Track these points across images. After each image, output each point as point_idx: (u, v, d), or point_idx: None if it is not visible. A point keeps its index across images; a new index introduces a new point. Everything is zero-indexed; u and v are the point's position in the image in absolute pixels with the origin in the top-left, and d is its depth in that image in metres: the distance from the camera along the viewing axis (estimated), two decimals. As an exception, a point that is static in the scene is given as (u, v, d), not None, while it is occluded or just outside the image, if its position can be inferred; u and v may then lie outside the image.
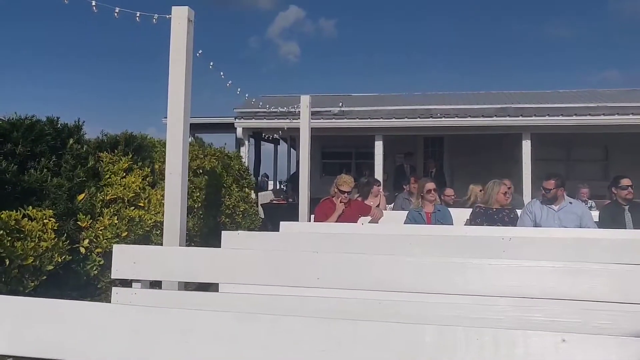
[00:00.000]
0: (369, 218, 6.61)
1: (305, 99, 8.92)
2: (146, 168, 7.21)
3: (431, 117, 13.15)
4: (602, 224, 6.23)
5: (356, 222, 6.20)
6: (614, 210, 6.29)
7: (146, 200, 6.62)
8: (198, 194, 7.34)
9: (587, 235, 4.77)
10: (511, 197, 8.58)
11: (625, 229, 6.05)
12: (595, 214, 6.58)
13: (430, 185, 6.53)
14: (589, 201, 10.30)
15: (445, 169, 15.16)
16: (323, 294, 2.57)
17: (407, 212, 6.72)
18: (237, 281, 2.92)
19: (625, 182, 6.31)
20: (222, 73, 6.85)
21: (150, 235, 6.54)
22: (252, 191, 9.19)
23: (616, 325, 2.32)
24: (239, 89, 7.45)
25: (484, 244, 3.53)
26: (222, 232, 3.98)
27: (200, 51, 5.41)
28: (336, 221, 6.20)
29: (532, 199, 6.70)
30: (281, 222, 5.17)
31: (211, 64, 6.30)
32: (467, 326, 1.59)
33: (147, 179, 7.13)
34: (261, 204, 12.76)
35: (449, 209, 6.68)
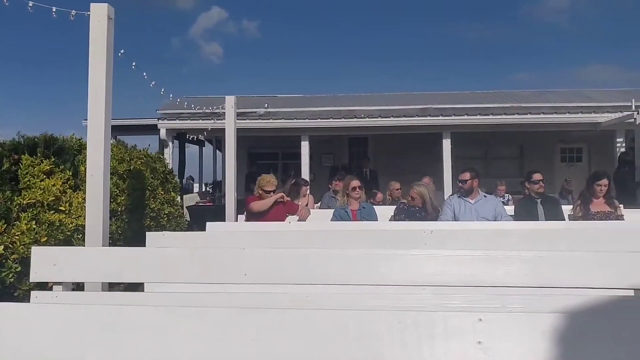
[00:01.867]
0: (296, 217, 6.64)
1: (230, 100, 8.86)
2: (67, 171, 6.95)
3: (355, 117, 13.37)
4: (517, 217, 6.53)
5: (284, 221, 6.23)
6: (528, 204, 6.62)
7: (67, 204, 6.38)
8: (122, 197, 7.14)
9: (503, 227, 5.00)
10: (433, 193, 8.95)
11: (539, 220, 6.39)
12: (512, 209, 6.90)
13: (355, 182, 6.63)
14: (506, 196, 10.79)
15: (371, 168, 15.51)
16: (251, 290, 2.58)
17: (333, 210, 6.80)
18: (162, 280, 2.88)
19: (537, 176, 6.66)
20: (145, 74, 6.70)
21: (72, 239, 6.30)
22: (178, 194, 9.01)
23: (529, 306, 2.46)
24: (162, 89, 7.29)
25: (406, 237, 3.65)
26: (147, 233, 3.90)
27: (122, 51, 5.27)
28: (264, 220, 6.20)
29: (453, 193, 6.94)
30: (208, 223, 5.13)
31: (133, 64, 6.15)
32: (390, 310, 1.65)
33: (69, 182, 6.87)
34: (187, 207, 12.55)
35: (383, 206, 6.84)
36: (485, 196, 6.28)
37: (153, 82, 6.98)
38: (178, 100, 10.33)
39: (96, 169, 4.71)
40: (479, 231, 3.96)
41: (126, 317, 1.71)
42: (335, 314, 1.64)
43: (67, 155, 6.41)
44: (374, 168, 14.47)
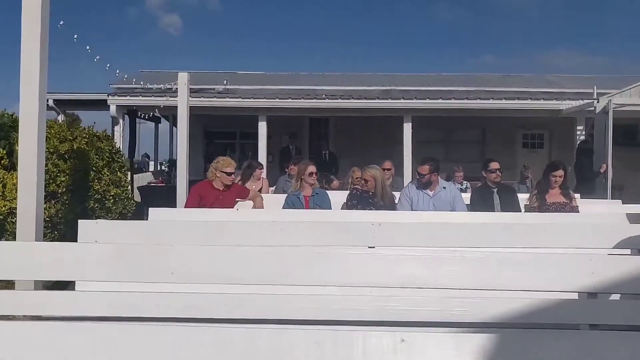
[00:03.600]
0: (246, 202, 6.54)
1: (183, 77, 8.63)
2: (1, 149, 6.67)
3: (315, 98, 13.25)
4: (473, 206, 6.55)
5: (233, 207, 6.12)
6: (484, 193, 6.64)
7: (1, 185, 6.13)
8: (63, 178, 6.90)
9: (455, 219, 4.98)
10: (392, 179, 8.93)
11: (494, 210, 6.42)
12: (468, 196, 6.91)
13: (311, 168, 6.55)
14: (464, 182, 10.87)
15: (331, 150, 15.45)
16: (180, 290, 2.47)
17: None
18: (88, 278, 2.74)
19: (494, 165, 6.67)
20: (88, 47, 6.42)
21: (5, 223, 6.07)
22: (126, 174, 8.78)
23: (470, 311, 2.42)
24: (108, 65, 7.03)
25: (353, 230, 3.57)
26: (79, 221, 3.73)
27: (61, 22, 5.02)
28: (212, 206, 6.08)
29: (411, 182, 6.91)
30: (150, 209, 4.97)
31: (75, 36, 5.89)
32: (308, 327, 1.56)
33: (3, 162, 6.60)
34: (138, 187, 12.28)
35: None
36: (444, 188, 6.26)
37: (98, 57, 6.72)
38: (126, 76, 10.02)
39: (29, 149, 4.49)
40: (429, 225, 3.91)
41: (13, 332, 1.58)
42: (247, 332, 1.54)
43: (1, 132, 6.15)
44: (334, 150, 14.42)
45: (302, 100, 13.28)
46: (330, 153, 13.80)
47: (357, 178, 8.43)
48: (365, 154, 13.15)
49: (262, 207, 6.54)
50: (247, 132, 16.48)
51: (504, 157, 13.64)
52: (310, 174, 6.49)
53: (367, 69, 34.06)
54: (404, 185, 7.48)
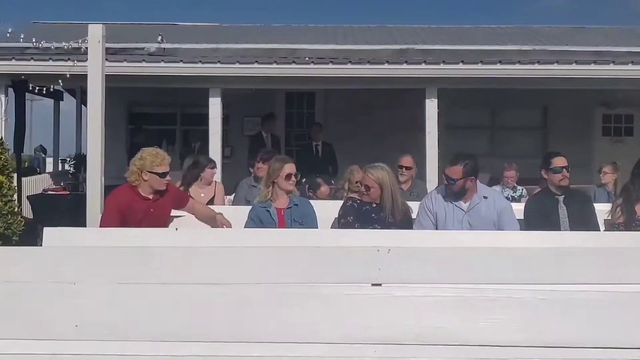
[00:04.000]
0: (186, 215, 6.62)
1: (96, 30, 8.51)
2: None
3: (295, 62, 13.23)
4: (529, 221, 6.55)
5: (167, 223, 6.19)
6: (545, 202, 6.65)
7: None
8: None
9: (501, 242, 5.00)
10: (410, 182, 8.97)
11: (559, 228, 6.43)
12: (522, 208, 6.93)
13: (289, 167, 6.52)
14: (519, 188, 10.91)
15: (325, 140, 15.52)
16: (87, 350, 2.46)
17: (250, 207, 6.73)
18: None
19: (559, 161, 6.67)
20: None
21: None
22: (10, 177, 8.75)
23: (523, 380, 2.42)
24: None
25: (350, 259, 3.57)
26: None
27: None
28: (140, 224, 6.07)
29: (435, 189, 6.93)
30: (45, 229, 4.96)
31: None
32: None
33: None
34: (28, 197, 12.24)
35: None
36: (485, 197, 6.25)
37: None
38: (10, 30, 9.95)
39: None
40: (461, 252, 3.92)
41: None
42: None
43: None
44: (330, 141, 14.47)
45: (275, 65, 13.26)
46: (325, 145, 13.85)
47: (356, 183, 8.48)
48: (368, 146, 13.09)
49: (229, 225, 6.59)
50: (192, 114, 16.45)
51: (575, 149, 13.72)
52: (288, 176, 6.46)
53: (372, 20, 34.14)
54: (427, 194, 7.52)
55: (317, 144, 13.74)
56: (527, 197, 9.05)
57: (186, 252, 3.79)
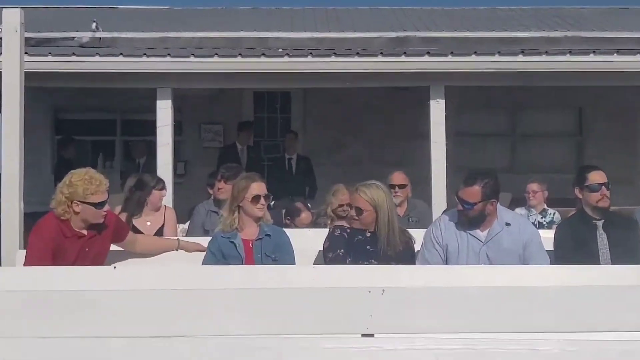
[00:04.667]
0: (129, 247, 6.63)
1: (12, 16, 8.57)
2: None
3: (265, 55, 13.24)
4: (559, 252, 6.54)
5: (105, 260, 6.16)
6: (579, 228, 6.64)
7: None
8: None
9: (524, 278, 5.01)
10: (406, 204, 8.97)
11: (599, 261, 6.43)
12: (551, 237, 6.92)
13: (257, 187, 6.56)
14: (549, 212, 10.93)
15: (301, 153, 15.49)
16: None
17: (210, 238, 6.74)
18: None
19: (596, 177, 6.66)
20: None
21: None
22: None
23: None
24: None
25: (334, 303, 3.58)
26: None
27: None
28: (75, 262, 6.03)
29: (444, 214, 6.91)
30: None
31: None
32: None
33: None
34: None
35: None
36: (507, 225, 6.27)
37: None
38: None
39: None
40: (477, 292, 3.94)
41: None
42: None
43: None
44: (308, 154, 14.49)
45: (239, 59, 13.26)
46: (302, 158, 13.88)
47: (340, 206, 8.50)
48: (357, 161, 13.16)
49: (203, 248, 6.63)
50: (135, 121, 16.44)
51: (618, 162, 13.81)
52: (255, 198, 6.49)
53: (362, 0, 34.22)
54: (432, 219, 7.49)
55: (291, 157, 13.81)
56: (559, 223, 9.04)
57: (129, 296, 3.78)
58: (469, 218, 6.22)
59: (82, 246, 6.14)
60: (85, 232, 6.19)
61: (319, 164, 14.03)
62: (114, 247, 6.59)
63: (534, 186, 10.95)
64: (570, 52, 13.33)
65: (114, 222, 6.61)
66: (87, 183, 6.10)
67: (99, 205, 6.12)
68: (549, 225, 9.92)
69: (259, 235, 6.51)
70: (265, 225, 6.63)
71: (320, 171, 13.65)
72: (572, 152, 16.68)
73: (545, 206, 10.89)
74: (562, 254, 6.51)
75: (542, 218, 10.54)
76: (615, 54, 13.30)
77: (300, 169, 13.66)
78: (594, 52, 13.32)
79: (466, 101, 14.14)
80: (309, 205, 10.20)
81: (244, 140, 14.23)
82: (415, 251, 6.49)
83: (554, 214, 10.72)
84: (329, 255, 6.36)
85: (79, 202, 6.06)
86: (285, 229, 7.18)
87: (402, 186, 8.74)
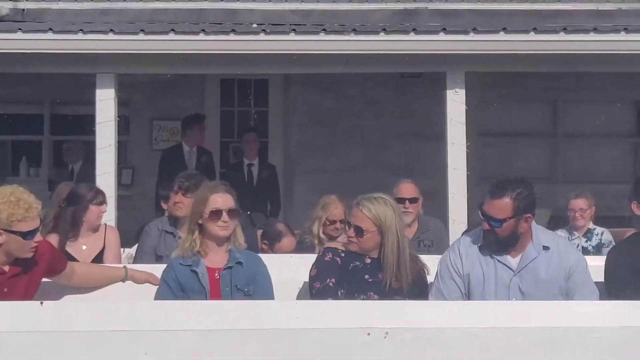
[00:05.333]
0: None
1: None
2: None
3: (235, 32, 13.24)
4: (612, 284, 6.53)
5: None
6: (637, 253, 6.62)
7: None
8: None
9: (568, 316, 5.01)
10: (416, 223, 8.93)
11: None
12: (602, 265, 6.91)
13: (221, 199, 6.51)
14: (596, 232, 10.91)
15: (277, 158, 15.46)
16: None
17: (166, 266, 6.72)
18: None
19: (661, 188, 6.69)
20: None
21: None
22: None
23: None
24: None
25: (324, 348, 3.58)
26: None
27: None
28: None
29: (465, 234, 6.88)
30: None
31: None
32: None
33: None
34: None
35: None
36: (545, 249, 6.24)
37: None
38: None
39: None
40: (502, 333, 3.94)
41: None
42: None
43: None
44: (289, 157, 14.49)
45: (201, 37, 13.27)
46: (265, 166, 13.90)
47: (332, 223, 8.51)
48: (354, 167, 13.20)
49: (156, 280, 6.59)
50: (68, 116, 16.41)
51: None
52: (215, 213, 6.44)
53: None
54: (450, 242, 7.47)
55: (251, 163, 13.77)
56: (612, 246, 8.98)
57: (57, 340, 3.77)
58: (496, 239, 6.17)
59: (1, 283, 5.91)
60: (6, 267, 5.95)
61: (304, 171, 14.05)
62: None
63: (580, 202, 10.81)
64: (625, 29, 13.36)
65: (47, 255, 6.32)
66: (13, 207, 5.80)
67: (29, 235, 5.86)
68: (596, 250, 9.91)
69: (228, 263, 6.44)
70: (237, 250, 6.57)
71: (305, 180, 13.69)
72: (629, 156, 16.75)
73: (591, 224, 10.83)
74: (616, 286, 6.44)
75: (586, 241, 10.49)
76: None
77: (262, 178, 13.71)
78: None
79: (493, 92, 14.17)
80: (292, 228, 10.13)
81: (192, 140, 14.10)
82: (429, 283, 6.45)
83: (602, 233, 10.67)
84: (316, 286, 6.30)
85: (2, 231, 5.79)
86: (261, 255, 7.18)
87: (412, 200, 8.67)
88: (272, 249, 8.77)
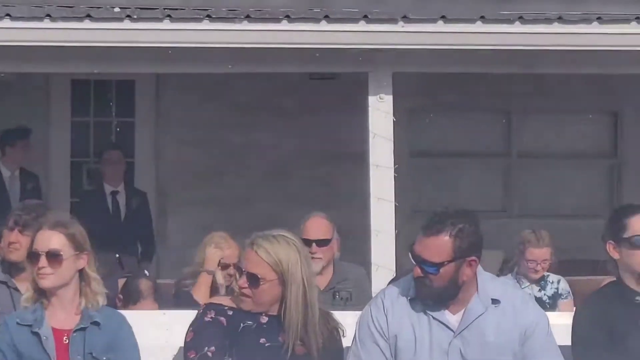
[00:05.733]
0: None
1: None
2: None
3: (90, 17, 13.23)
4: (581, 347, 6.61)
5: None
6: (614, 309, 6.71)
7: None
8: None
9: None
10: (332, 272, 8.97)
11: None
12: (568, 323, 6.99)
13: (45, 238, 6.49)
14: (549, 278, 11.04)
15: (145, 183, 15.47)
16: None
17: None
18: None
19: (638, 223, 6.74)
20: None
21: None
22: None
23: None
24: None
25: None
26: None
27: None
28: None
29: (392, 284, 6.89)
30: None
31: None
32: None
33: None
34: None
35: None
36: (495, 302, 6.26)
37: None
38: None
39: None
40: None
41: None
42: None
43: None
44: (158, 185, 14.51)
45: (47, 23, 13.26)
46: (134, 193, 13.87)
47: (225, 268, 8.55)
48: (244, 197, 13.32)
49: None
50: None
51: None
52: (33, 256, 6.41)
53: None
54: (372, 294, 7.53)
55: (116, 190, 13.73)
56: (573, 299, 9.10)
57: None
58: (431, 290, 6.11)
59: None
60: None
61: (180, 202, 14.05)
62: None
63: (545, 253, 10.88)
64: (599, 18, 13.56)
65: None
66: None
67: None
68: (552, 301, 9.97)
69: (80, 323, 6.37)
70: (89, 310, 6.50)
71: (181, 213, 13.66)
72: (603, 183, 16.95)
73: (545, 268, 10.89)
74: (588, 353, 6.57)
75: (540, 290, 10.55)
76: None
77: (131, 210, 13.68)
78: (637, 18, 13.52)
79: (428, 100, 14.32)
80: (146, 272, 10.11)
81: (14, 161, 14.01)
82: (344, 347, 6.44)
83: (559, 282, 10.79)
84: (190, 357, 6.26)
85: None
86: (123, 311, 7.16)
87: (321, 242, 8.69)
88: (125, 308, 8.75)
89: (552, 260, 10.82)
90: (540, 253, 10.64)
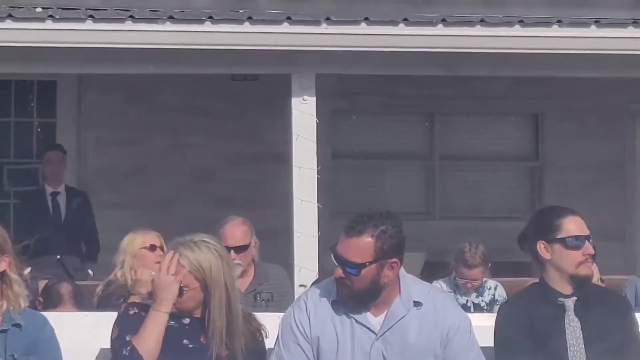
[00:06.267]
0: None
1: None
2: None
3: (12, 17, 13.15)
4: (504, 349, 6.59)
5: None
6: (537, 311, 6.71)
7: None
8: None
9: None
10: (253, 273, 8.97)
11: (567, 357, 6.51)
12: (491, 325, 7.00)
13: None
14: (489, 284, 11.06)
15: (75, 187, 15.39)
16: None
17: None
18: None
19: (573, 225, 6.71)
20: None
21: None
22: None
23: None
24: None
25: None
26: None
27: None
28: None
29: (314, 286, 6.82)
30: None
31: None
32: None
33: None
34: None
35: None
36: (418, 304, 6.23)
37: None
38: None
39: None
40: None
41: None
42: None
43: None
44: (83, 186, 14.43)
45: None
46: (75, 194, 13.81)
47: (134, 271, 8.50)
48: (168, 199, 13.31)
49: None
50: None
51: (599, 204, 14.13)
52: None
53: None
54: (295, 297, 7.49)
55: (56, 191, 13.66)
56: (503, 302, 9.09)
57: None
58: (352, 292, 6.05)
59: None
60: None
61: (103, 205, 13.98)
62: None
63: (476, 273, 10.87)
64: (521, 21, 13.63)
65: None
66: None
67: None
68: (489, 307, 9.99)
69: (1, 326, 6.28)
70: (11, 312, 6.44)
71: (104, 217, 13.59)
72: (524, 185, 17.02)
73: (481, 278, 10.90)
74: (507, 351, 6.56)
75: (477, 297, 10.61)
76: (593, 26, 13.61)
77: (72, 210, 13.58)
78: (559, 22, 13.63)
79: (351, 101, 14.32)
80: (90, 271, 10.06)
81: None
82: (267, 349, 6.41)
83: (496, 287, 10.80)
84: (116, 348, 6.21)
85: None
86: (46, 313, 7.10)
87: (241, 248, 8.64)
88: (45, 310, 8.68)
89: (483, 279, 10.84)
90: (470, 274, 10.64)
